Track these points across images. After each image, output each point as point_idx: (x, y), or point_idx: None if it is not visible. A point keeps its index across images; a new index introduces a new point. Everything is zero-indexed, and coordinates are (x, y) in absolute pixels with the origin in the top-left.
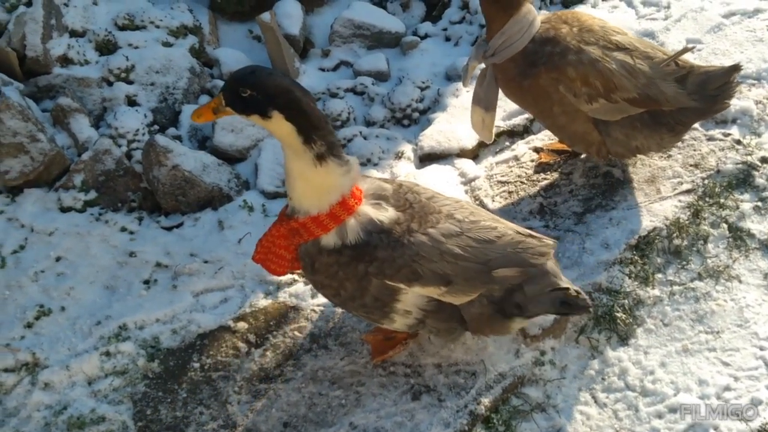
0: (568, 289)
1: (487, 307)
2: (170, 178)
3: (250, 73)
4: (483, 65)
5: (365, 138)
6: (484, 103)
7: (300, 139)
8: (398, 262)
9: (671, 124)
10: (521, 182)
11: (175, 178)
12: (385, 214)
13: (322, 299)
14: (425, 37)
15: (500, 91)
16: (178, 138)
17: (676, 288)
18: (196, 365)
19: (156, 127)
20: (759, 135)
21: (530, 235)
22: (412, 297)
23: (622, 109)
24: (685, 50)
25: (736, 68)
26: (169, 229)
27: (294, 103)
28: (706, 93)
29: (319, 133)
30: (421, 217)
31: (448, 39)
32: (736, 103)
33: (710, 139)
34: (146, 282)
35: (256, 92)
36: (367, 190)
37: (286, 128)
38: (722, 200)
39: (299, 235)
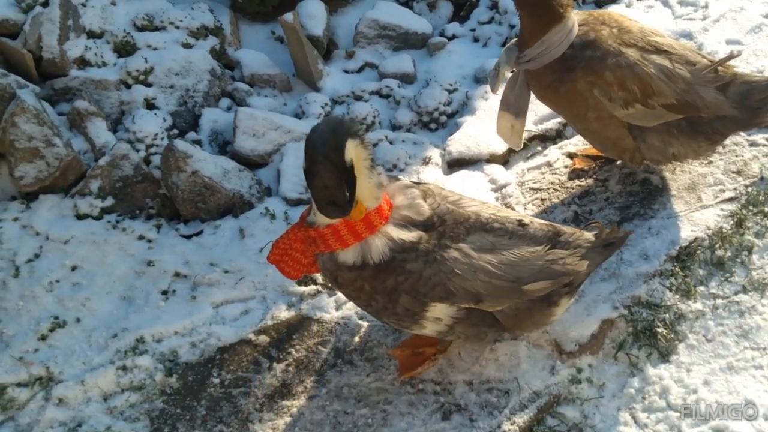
0: (600, 227)
1: (525, 308)
2: (190, 185)
3: (325, 140)
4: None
5: (391, 143)
6: (515, 108)
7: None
8: (433, 280)
9: (709, 133)
10: (554, 189)
11: (195, 185)
12: (409, 236)
13: (346, 312)
14: (452, 38)
15: (531, 95)
16: (198, 142)
17: (719, 301)
18: (216, 380)
19: (175, 131)
20: None
21: (555, 225)
22: (442, 307)
23: (659, 114)
24: (729, 57)
25: None
26: (188, 237)
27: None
28: (748, 104)
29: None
30: (453, 230)
31: (476, 40)
32: None
33: (753, 144)
34: (164, 293)
35: (334, 159)
36: (400, 208)
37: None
38: (767, 209)
39: (316, 244)
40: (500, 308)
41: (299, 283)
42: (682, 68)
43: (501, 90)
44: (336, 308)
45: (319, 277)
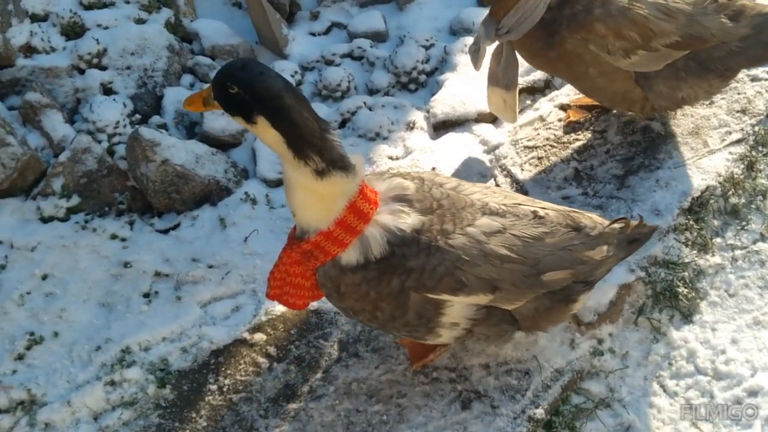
0: (625, 222)
1: (543, 300)
2: (161, 175)
3: (239, 68)
4: (496, 42)
5: (371, 109)
6: (504, 82)
7: (291, 152)
8: (439, 270)
9: (720, 69)
10: (551, 146)
11: (166, 174)
12: (407, 221)
13: None
14: None
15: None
16: (164, 127)
17: (738, 252)
18: (214, 387)
19: (137, 116)
20: None
21: (573, 216)
22: (458, 308)
23: (665, 55)
24: None
25: None
26: (165, 231)
27: (283, 111)
28: (763, 39)
29: (314, 149)
30: (454, 215)
31: None
32: None
33: (754, 79)
34: (146, 295)
35: (243, 91)
36: (386, 192)
37: (273, 137)
38: None
39: (314, 257)
40: (519, 303)
41: None
42: (679, 1)
43: (485, 65)
44: None
45: None
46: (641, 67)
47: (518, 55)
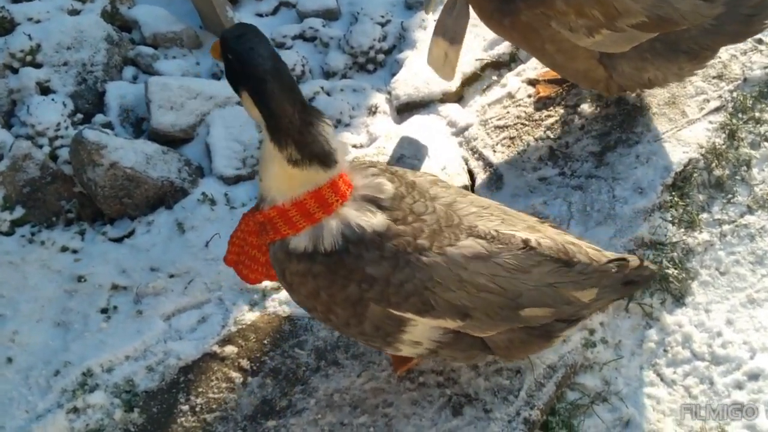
0: (625, 261)
1: (519, 333)
2: (110, 179)
3: (235, 36)
4: None
5: (329, 94)
6: (450, 34)
7: (269, 134)
8: (407, 287)
9: (695, 50)
10: (522, 124)
11: (116, 178)
12: (370, 221)
13: None
14: None
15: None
16: (108, 125)
17: (726, 227)
18: (185, 408)
19: (79, 115)
20: None
21: (568, 249)
22: (423, 329)
23: (631, 36)
24: None
25: None
26: (119, 240)
27: (263, 96)
28: (741, 11)
29: (291, 140)
30: (434, 232)
31: None
32: None
33: None
34: (104, 311)
35: (234, 61)
36: (361, 188)
37: (255, 114)
38: (757, 114)
39: (266, 231)
40: (492, 333)
41: None
42: None
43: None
44: None
45: None
46: (606, 48)
47: (472, 12)
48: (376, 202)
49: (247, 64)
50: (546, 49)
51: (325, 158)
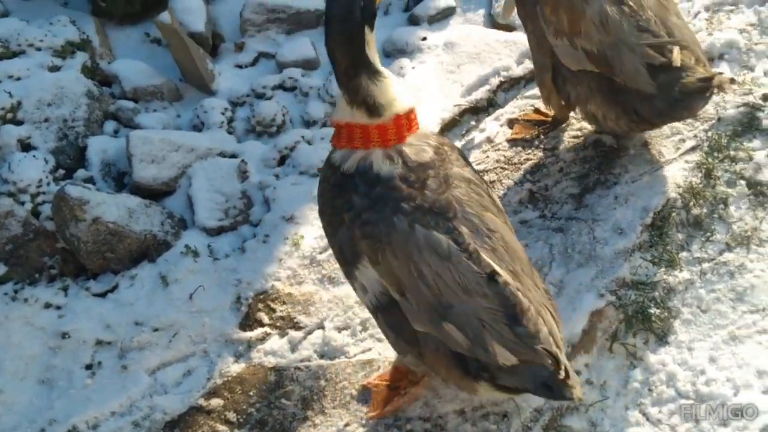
0: (556, 367)
1: (445, 354)
2: (93, 235)
3: None
4: None
5: (309, 143)
6: None
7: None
8: (367, 229)
9: (629, 109)
10: (502, 168)
11: (99, 234)
12: (382, 167)
13: (304, 352)
14: None
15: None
16: (90, 180)
17: (706, 265)
18: None
19: (61, 171)
20: (752, 69)
21: (523, 308)
22: (370, 275)
23: (579, 58)
24: (675, 42)
25: (709, 79)
26: (102, 295)
27: (327, 40)
28: (672, 92)
29: (342, 85)
30: (423, 209)
31: None
32: (719, 36)
33: None
34: (89, 367)
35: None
36: (408, 145)
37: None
38: (732, 152)
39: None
40: (421, 329)
41: (243, 328)
42: (625, 23)
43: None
44: (291, 350)
45: (265, 317)
46: (560, 55)
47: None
48: (403, 158)
49: (327, 7)
50: (528, 29)
51: (369, 106)
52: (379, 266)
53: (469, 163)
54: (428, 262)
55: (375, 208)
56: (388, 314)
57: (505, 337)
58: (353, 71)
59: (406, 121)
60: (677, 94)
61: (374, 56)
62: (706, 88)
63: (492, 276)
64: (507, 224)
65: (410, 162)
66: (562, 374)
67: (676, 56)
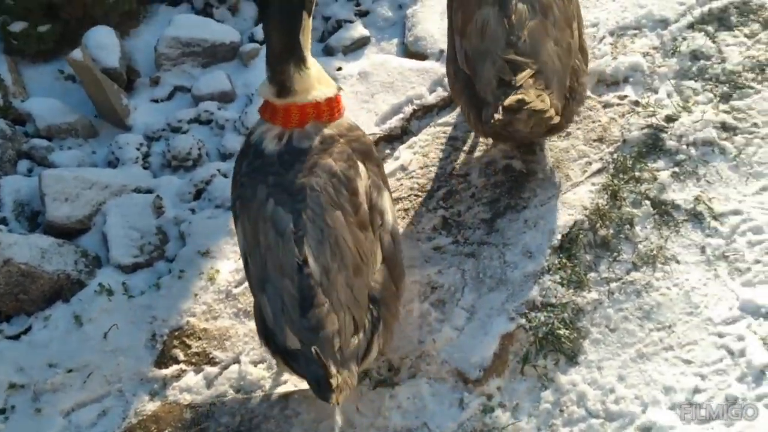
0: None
1: (259, 319)
2: (4, 276)
3: None
4: None
5: (225, 176)
6: None
7: None
8: (240, 191)
9: (480, 114)
10: (415, 195)
11: (11, 275)
12: (268, 144)
13: (220, 388)
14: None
15: None
16: (3, 221)
17: (613, 285)
18: None
19: None
20: (655, 91)
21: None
22: (239, 231)
23: (461, 58)
24: (531, 65)
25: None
26: (15, 337)
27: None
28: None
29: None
30: (281, 183)
31: None
32: (624, 60)
33: (606, 105)
34: (2, 411)
35: None
36: (312, 125)
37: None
38: (637, 174)
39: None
40: (252, 291)
41: (159, 366)
42: (500, 34)
43: None
44: (207, 386)
45: (181, 354)
46: (456, 51)
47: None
48: (289, 140)
49: None
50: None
51: (281, 90)
52: (242, 226)
53: (378, 165)
54: (266, 233)
55: (251, 176)
56: (246, 269)
57: (294, 323)
58: (283, 56)
59: (313, 110)
60: (494, 109)
61: (306, 42)
62: (514, 109)
63: (302, 264)
64: (357, 227)
65: (292, 145)
66: (333, 382)
67: (521, 77)
